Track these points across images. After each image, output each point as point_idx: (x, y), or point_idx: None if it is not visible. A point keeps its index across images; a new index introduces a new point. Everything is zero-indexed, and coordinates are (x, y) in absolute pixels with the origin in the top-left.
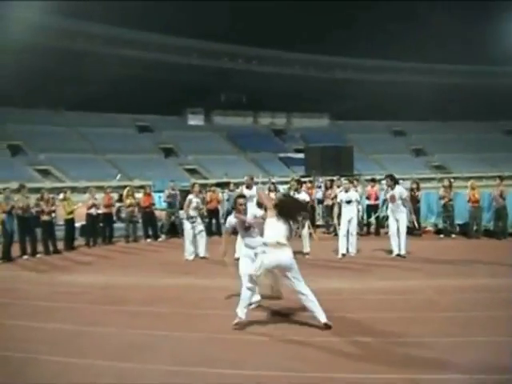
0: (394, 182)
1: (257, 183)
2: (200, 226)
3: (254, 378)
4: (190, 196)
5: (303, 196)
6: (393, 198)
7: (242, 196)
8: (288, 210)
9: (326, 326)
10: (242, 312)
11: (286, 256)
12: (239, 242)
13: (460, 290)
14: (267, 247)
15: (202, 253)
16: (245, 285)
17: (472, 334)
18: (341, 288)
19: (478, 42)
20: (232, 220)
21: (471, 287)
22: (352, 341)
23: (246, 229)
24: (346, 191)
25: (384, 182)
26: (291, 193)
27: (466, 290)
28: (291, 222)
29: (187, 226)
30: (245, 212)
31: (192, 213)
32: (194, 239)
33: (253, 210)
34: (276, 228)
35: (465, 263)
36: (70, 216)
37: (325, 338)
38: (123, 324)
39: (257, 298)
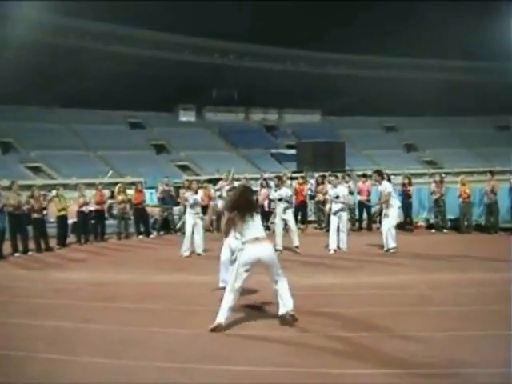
0: (381, 177)
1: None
2: (199, 223)
3: (247, 374)
4: (187, 193)
5: (285, 191)
6: (380, 194)
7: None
8: (240, 204)
9: (293, 318)
10: (222, 316)
11: (266, 250)
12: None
13: (452, 285)
14: (245, 244)
15: (198, 249)
16: (228, 292)
17: (465, 329)
18: (333, 283)
19: (470, 37)
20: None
21: (463, 282)
22: (344, 336)
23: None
24: (335, 187)
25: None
26: (273, 189)
27: (458, 285)
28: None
29: (189, 222)
30: None
31: (192, 209)
32: (192, 236)
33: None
34: (252, 224)
35: (457, 258)
36: (63, 213)
37: (316, 333)
38: (117, 321)
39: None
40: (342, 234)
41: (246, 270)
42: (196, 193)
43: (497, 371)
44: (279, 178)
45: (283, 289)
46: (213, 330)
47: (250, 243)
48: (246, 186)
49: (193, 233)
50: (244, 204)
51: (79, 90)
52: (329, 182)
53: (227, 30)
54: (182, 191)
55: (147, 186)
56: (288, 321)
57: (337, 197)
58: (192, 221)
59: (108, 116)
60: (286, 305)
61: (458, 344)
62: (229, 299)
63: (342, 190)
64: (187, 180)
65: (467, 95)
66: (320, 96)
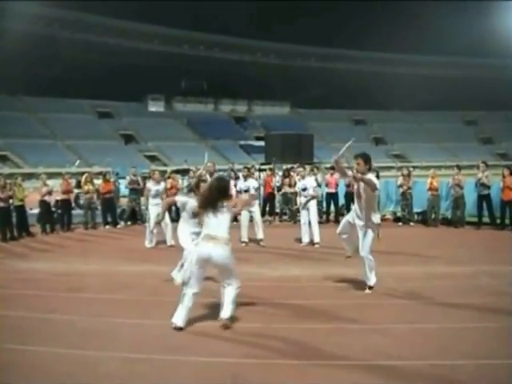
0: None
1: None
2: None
3: (211, 365)
4: (149, 183)
5: (252, 183)
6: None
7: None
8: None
9: (225, 326)
10: (181, 319)
11: (219, 251)
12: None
13: (418, 278)
14: (201, 240)
15: (169, 241)
16: (183, 293)
17: (429, 321)
18: (299, 275)
19: (439, 32)
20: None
21: (429, 275)
22: (307, 327)
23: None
24: (302, 178)
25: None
26: (241, 180)
27: (424, 278)
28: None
29: (151, 213)
30: None
31: (154, 200)
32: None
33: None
34: (213, 221)
35: (423, 251)
36: (21, 203)
37: (282, 324)
38: (82, 311)
39: None
40: (314, 227)
41: (199, 268)
42: (158, 183)
43: (458, 363)
44: (248, 169)
45: (227, 297)
46: (174, 328)
47: (203, 240)
48: (219, 181)
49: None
50: (210, 200)
51: (47, 79)
52: (297, 174)
53: (197, 20)
54: (148, 182)
55: (120, 175)
56: (222, 326)
57: (304, 189)
58: (155, 212)
59: (76, 105)
60: (223, 314)
61: (418, 336)
62: (184, 301)
63: (309, 181)
64: (153, 170)
65: (435, 90)
66: (289, 88)
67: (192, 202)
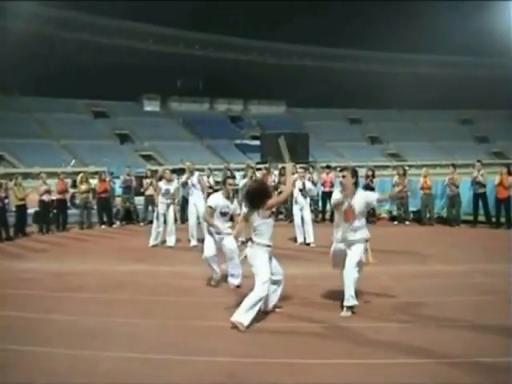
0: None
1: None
2: (171, 213)
3: (211, 365)
4: (160, 183)
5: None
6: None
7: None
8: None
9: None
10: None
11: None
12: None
13: (414, 276)
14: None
15: (171, 241)
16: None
17: (425, 319)
18: (295, 274)
19: (435, 31)
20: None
21: (425, 273)
22: (304, 326)
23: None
24: (300, 179)
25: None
26: (239, 179)
27: (420, 276)
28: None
29: (160, 211)
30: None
31: (164, 199)
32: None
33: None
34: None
35: (418, 250)
36: (22, 202)
37: (281, 323)
38: (78, 311)
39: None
40: (307, 226)
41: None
42: (169, 182)
43: (453, 361)
44: (258, 169)
45: (246, 299)
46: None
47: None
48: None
49: (165, 223)
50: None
51: (42, 78)
52: (293, 174)
53: (193, 19)
54: (145, 181)
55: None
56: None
57: (301, 189)
58: (162, 211)
59: (72, 105)
60: (236, 316)
61: (412, 335)
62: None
63: (306, 181)
64: (150, 170)
65: (431, 89)
66: (285, 87)
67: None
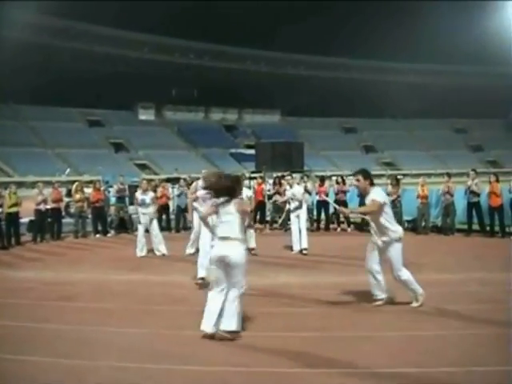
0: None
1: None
2: (154, 223)
3: (204, 374)
4: (137, 193)
5: (246, 191)
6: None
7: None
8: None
9: (220, 337)
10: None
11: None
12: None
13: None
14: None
15: (160, 250)
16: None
17: (420, 329)
18: (291, 283)
19: (430, 40)
20: None
21: (420, 282)
22: (300, 336)
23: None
24: (291, 187)
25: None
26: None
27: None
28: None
29: (140, 222)
30: None
31: (141, 209)
32: (146, 235)
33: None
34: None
35: (413, 259)
36: (13, 210)
37: (273, 332)
38: (72, 320)
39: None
40: (302, 234)
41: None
42: (145, 192)
43: (447, 370)
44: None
45: (229, 304)
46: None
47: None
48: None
49: (148, 232)
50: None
51: (37, 87)
52: (287, 183)
53: (188, 28)
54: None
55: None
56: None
57: (296, 198)
58: (143, 221)
59: (66, 113)
60: (225, 325)
61: (409, 344)
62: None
63: (297, 190)
64: (144, 179)
65: (426, 98)
66: (280, 96)
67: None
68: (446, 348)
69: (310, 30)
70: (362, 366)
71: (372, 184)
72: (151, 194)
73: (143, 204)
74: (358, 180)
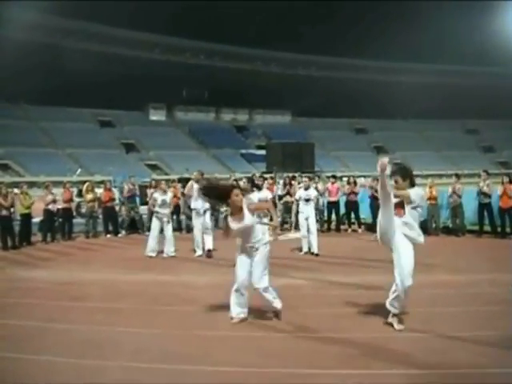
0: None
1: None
2: (169, 224)
3: (214, 374)
4: (156, 194)
5: (265, 193)
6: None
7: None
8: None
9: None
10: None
11: None
12: None
13: (419, 286)
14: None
15: (170, 251)
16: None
17: (429, 330)
18: (301, 284)
19: (441, 41)
20: None
21: (430, 283)
22: (310, 336)
23: None
24: (306, 189)
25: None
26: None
27: (424, 286)
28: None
29: (155, 222)
30: None
31: (161, 210)
32: (159, 236)
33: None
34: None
35: (424, 259)
36: (27, 211)
37: (285, 333)
38: (83, 320)
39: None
40: (312, 236)
41: None
42: (165, 193)
43: (457, 372)
44: (266, 179)
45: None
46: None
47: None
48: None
49: (162, 233)
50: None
51: (48, 87)
52: (298, 183)
53: (199, 29)
54: (149, 191)
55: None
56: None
57: (307, 199)
58: (159, 222)
59: (77, 114)
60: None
61: (418, 345)
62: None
63: (312, 192)
64: (154, 180)
65: (436, 98)
66: (290, 97)
67: None
68: (455, 349)
69: (321, 31)
70: (376, 367)
71: (413, 185)
72: (170, 195)
73: (163, 204)
74: (396, 181)
